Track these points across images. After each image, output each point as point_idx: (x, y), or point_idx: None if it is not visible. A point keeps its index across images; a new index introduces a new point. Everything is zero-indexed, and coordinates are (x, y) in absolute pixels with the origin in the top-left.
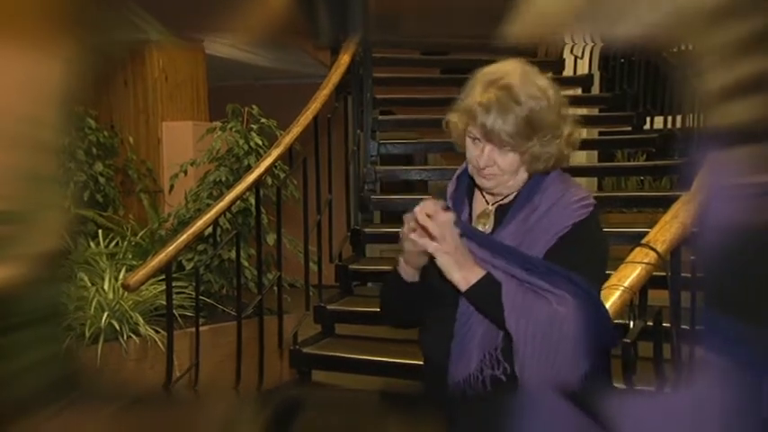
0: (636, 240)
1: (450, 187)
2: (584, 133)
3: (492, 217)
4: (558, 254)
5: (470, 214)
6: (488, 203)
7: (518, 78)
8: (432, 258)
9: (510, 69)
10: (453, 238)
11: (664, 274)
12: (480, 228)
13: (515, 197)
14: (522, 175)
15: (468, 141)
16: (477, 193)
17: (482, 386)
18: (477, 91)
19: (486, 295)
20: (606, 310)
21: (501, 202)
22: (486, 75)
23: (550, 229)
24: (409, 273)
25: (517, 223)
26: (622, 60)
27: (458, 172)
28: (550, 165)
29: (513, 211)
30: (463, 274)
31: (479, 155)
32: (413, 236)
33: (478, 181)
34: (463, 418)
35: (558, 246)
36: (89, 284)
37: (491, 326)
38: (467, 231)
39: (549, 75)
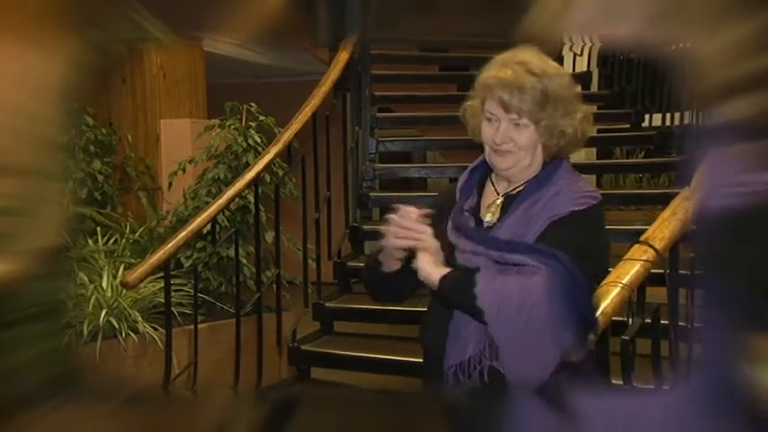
0: (634, 237)
1: (462, 178)
2: (592, 130)
3: (499, 207)
4: (548, 235)
5: (479, 204)
6: (498, 194)
7: (534, 57)
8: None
9: (525, 52)
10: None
11: (662, 271)
12: (489, 217)
13: (524, 188)
14: (538, 160)
15: (485, 123)
16: (488, 184)
17: (479, 376)
18: (493, 68)
19: (458, 281)
20: (586, 289)
21: (510, 193)
22: (501, 56)
23: (547, 213)
24: (391, 265)
25: (521, 212)
26: (621, 58)
27: (472, 165)
28: (562, 144)
29: (518, 201)
30: (438, 270)
31: (495, 132)
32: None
33: (495, 162)
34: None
35: (549, 228)
36: (87, 282)
37: None
38: (456, 222)
39: None
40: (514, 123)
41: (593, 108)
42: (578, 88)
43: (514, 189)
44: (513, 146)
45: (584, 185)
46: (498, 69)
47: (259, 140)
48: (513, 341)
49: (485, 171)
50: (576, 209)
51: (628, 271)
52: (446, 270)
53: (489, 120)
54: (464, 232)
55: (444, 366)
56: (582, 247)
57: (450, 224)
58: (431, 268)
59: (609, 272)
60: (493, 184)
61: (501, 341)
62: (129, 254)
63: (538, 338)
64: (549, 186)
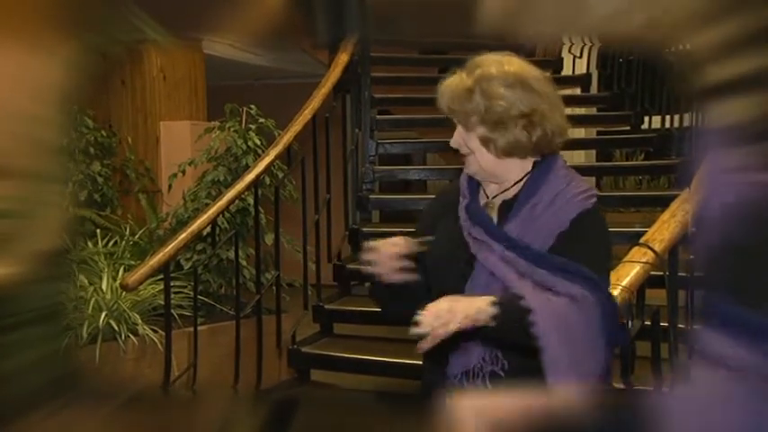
0: (634, 240)
1: (464, 180)
2: (592, 132)
3: (496, 211)
4: (566, 244)
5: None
6: (488, 197)
7: (493, 60)
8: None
9: (490, 56)
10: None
11: (661, 273)
12: None
13: (520, 190)
14: (505, 163)
15: None
16: (480, 188)
17: (482, 382)
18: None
19: (509, 313)
20: (616, 306)
21: (505, 197)
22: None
23: (556, 220)
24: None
25: (522, 216)
26: (621, 60)
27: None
28: (512, 140)
29: (518, 205)
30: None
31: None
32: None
33: (465, 168)
34: None
35: (565, 235)
36: (87, 284)
37: None
38: (483, 221)
39: (548, 74)
40: (462, 126)
41: (591, 110)
42: (576, 90)
43: (506, 190)
44: (467, 149)
45: (579, 184)
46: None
47: (259, 142)
48: (564, 371)
49: None
50: (583, 210)
51: (627, 273)
52: (488, 305)
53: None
54: (484, 227)
55: (448, 372)
56: (595, 248)
57: (464, 217)
58: (472, 307)
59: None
60: (484, 190)
61: (555, 365)
62: (128, 256)
63: (587, 368)
64: (544, 185)
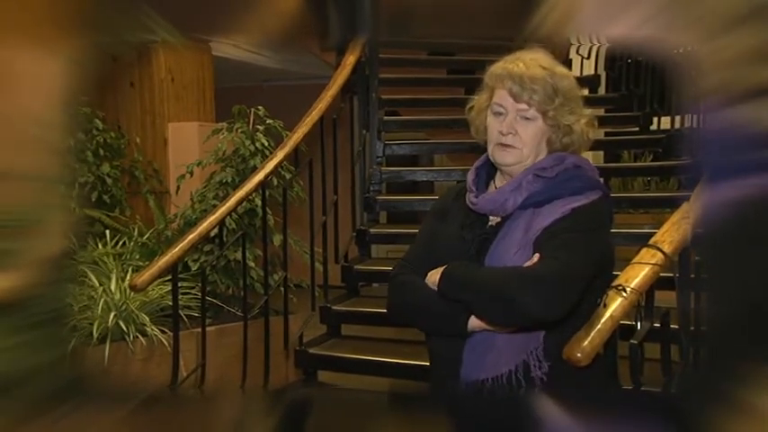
0: (643, 241)
1: (470, 176)
2: (600, 133)
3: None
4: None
5: None
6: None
7: (543, 56)
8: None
9: (535, 52)
10: None
11: (671, 274)
12: (492, 219)
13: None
14: (541, 158)
15: (491, 117)
16: (491, 186)
17: (520, 384)
18: (503, 62)
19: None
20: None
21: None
22: (511, 56)
23: (554, 213)
24: None
25: (526, 214)
26: (629, 61)
27: (477, 163)
28: (567, 143)
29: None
30: None
31: (501, 125)
32: None
33: (498, 157)
34: (477, 416)
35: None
36: (97, 285)
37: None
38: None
39: None
40: (522, 116)
41: (599, 111)
42: (585, 92)
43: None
44: (518, 140)
45: (583, 178)
46: (509, 62)
47: (266, 144)
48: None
49: (488, 171)
50: (577, 205)
51: (636, 275)
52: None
53: (497, 113)
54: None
55: (461, 373)
56: (576, 229)
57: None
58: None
59: (615, 274)
60: (495, 184)
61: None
62: (137, 257)
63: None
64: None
